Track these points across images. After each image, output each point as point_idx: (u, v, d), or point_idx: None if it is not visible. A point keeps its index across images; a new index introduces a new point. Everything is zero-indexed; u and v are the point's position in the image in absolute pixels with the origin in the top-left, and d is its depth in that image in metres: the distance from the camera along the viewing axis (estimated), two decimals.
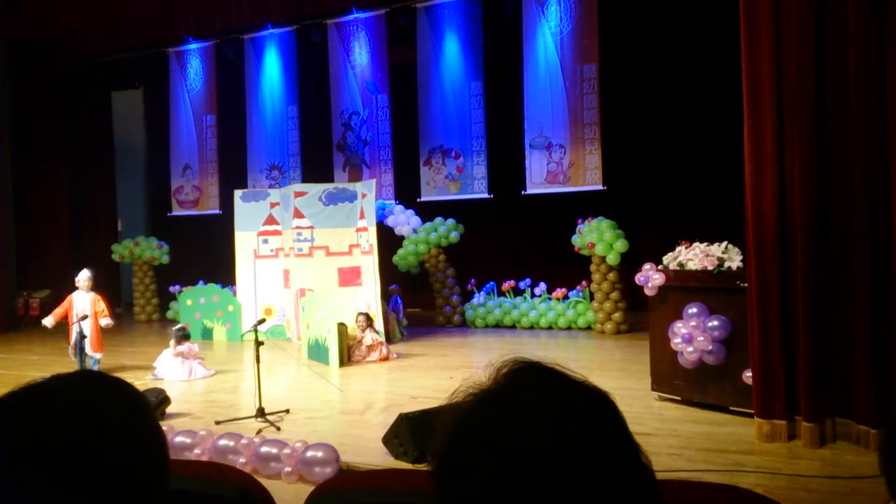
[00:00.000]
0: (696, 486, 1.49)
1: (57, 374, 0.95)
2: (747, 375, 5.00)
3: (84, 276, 7.68)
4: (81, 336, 7.37)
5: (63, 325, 7.84)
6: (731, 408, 5.30)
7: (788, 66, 4.62)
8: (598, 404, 0.84)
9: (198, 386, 7.29)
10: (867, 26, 4.32)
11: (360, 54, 12.05)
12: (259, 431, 5.27)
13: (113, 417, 0.91)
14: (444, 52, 11.40)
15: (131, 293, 13.11)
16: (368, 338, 8.29)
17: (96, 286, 7.85)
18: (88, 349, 7.40)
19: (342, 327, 8.13)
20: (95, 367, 7.42)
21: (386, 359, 8.25)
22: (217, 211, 13.11)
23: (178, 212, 13.62)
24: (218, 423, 5.56)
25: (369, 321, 8.48)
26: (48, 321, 7.69)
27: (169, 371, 7.56)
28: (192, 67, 13.41)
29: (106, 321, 7.58)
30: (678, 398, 5.73)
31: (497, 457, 0.77)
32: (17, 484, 0.83)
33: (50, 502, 0.84)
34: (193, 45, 13.25)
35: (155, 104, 14.09)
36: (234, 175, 12.90)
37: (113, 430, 0.89)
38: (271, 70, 12.79)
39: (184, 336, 7.83)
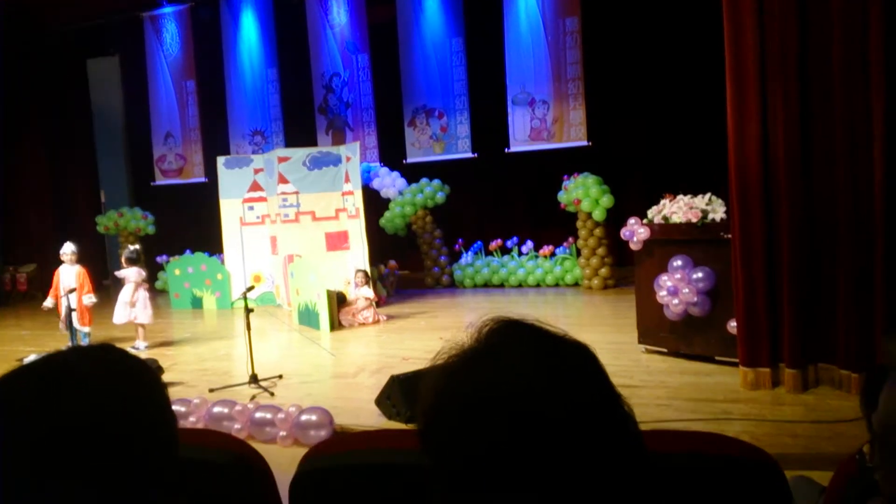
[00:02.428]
0: (683, 435, 1.53)
1: (75, 346, 0.96)
2: (732, 325, 5.08)
3: (68, 250, 7.62)
4: (70, 310, 7.34)
5: (54, 300, 7.79)
6: (717, 358, 5.40)
7: (771, 14, 4.59)
8: (577, 356, 0.85)
9: (190, 354, 7.31)
10: None
11: (339, 13, 11.83)
12: (253, 397, 5.32)
13: (127, 390, 0.92)
14: (423, 8, 11.20)
15: (118, 265, 13.02)
16: (367, 292, 8.34)
17: (82, 259, 7.79)
18: (76, 323, 7.38)
19: (330, 294, 8.15)
20: (86, 341, 7.41)
21: (377, 322, 8.31)
22: (202, 179, 12.98)
23: (161, 181, 13.46)
24: (212, 390, 5.61)
25: (367, 278, 8.52)
26: (48, 303, 7.65)
27: (116, 313, 7.55)
28: (168, 32, 13.12)
29: (88, 299, 7.47)
30: (665, 350, 5.82)
31: (480, 413, 0.79)
32: (31, 453, 0.84)
33: (66, 474, 0.85)
34: (168, 9, 12.94)
35: (132, 71, 13.77)
36: (217, 142, 12.73)
37: (127, 403, 0.91)
38: (249, 33, 12.54)
39: (131, 259, 7.73)
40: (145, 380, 0.97)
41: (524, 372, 0.80)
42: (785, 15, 4.53)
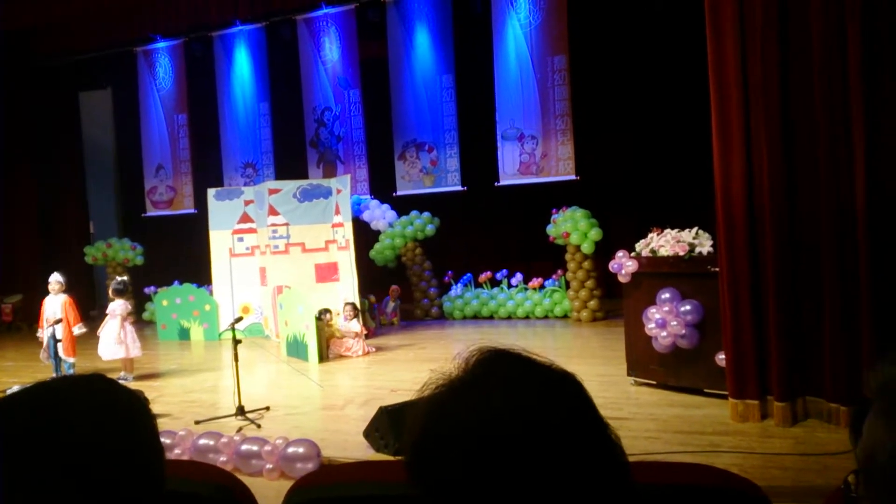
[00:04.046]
0: (672, 466, 1.53)
1: (66, 375, 0.96)
2: (720, 358, 5.10)
3: (53, 279, 7.57)
4: (55, 340, 7.28)
5: (35, 330, 7.72)
6: (706, 390, 5.41)
7: (753, 53, 4.70)
8: (564, 385, 0.86)
9: (176, 386, 7.23)
10: (828, 15, 4.40)
11: (331, 50, 11.99)
12: (239, 429, 5.27)
13: (118, 421, 0.92)
14: (414, 45, 11.37)
15: (105, 296, 12.94)
16: (355, 326, 8.30)
17: (69, 289, 7.73)
18: (62, 353, 7.30)
19: (319, 325, 8.12)
20: (71, 371, 7.33)
21: (366, 354, 8.27)
22: (192, 210, 12.98)
23: (152, 212, 13.45)
24: (198, 422, 5.54)
25: (356, 311, 8.49)
26: (40, 333, 7.55)
27: (102, 347, 7.46)
28: (162, 66, 13.23)
29: (78, 329, 7.43)
30: (654, 382, 5.83)
31: (467, 442, 0.79)
32: (22, 480, 0.84)
33: (52, 500, 0.85)
34: (162, 44, 13.07)
35: (125, 104, 13.86)
36: (208, 174, 12.76)
37: (118, 433, 0.91)
38: (242, 67, 12.66)
39: (118, 290, 7.67)
40: (136, 411, 0.97)
41: (511, 402, 0.81)
42: (766, 49, 4.64)
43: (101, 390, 0.96)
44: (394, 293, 10.71)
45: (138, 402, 0.98)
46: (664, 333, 5.44)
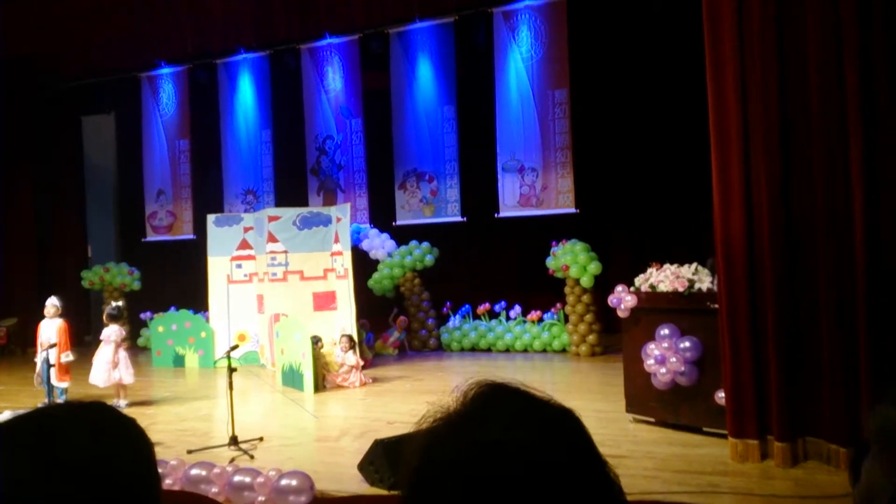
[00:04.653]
0: None
1: (67, 401, 0.96)
2: (720, 396, 5.05)
3: (49, 303, 7.51)
4: (48, 365, 7.20)
5: (32, 355, 7.65)
6: (705, 429, 5.35)
7: (753, 92, 4.75)
8: (563, 421, 0.85)
9: (169, 414, 7.15)
10: (827, 58, 4.45)
11: (334, 79, 12.11)
12: (232, 460, 5.19)
13: (119, 449, 0.92)
14: (416, 76, 11.49)
15: (101, 321, 12.87)
16: (351, 358, 8.23)
17: (65, 314, 7.67)
18: (54, 378, 7.22)
19: (318, 344, 8.07)
20: (63, 397, 7.25)
21: (363, 385, 8.19)
22: (191, 236, 12.98)
23: (152, 237, 13.46)
24: (190, 452, 5.47)
25: (352, 343, 8.42)
26: (36, 358, 7.49)
27: (94, 374, 7.38)
28: (165, 92, 13.35)
29: (65, 357, 7.27)
30: (652, 420, 5.76)
31: (465, 478, 0.78)
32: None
33: None
34: (166, 70, 13.20)
35: (127, 129, 13.95)
36: (208, 200, 12.79)
37: (118, 460, 0.90)
38: (245, 95, 12.78)
39: (112, 316, 7.60)
40: (135, 439, 0.96)
41: (510, 437, 0.80)
42: (766, 91, 4.68)
43: (102, 417, 0.95)
44: (401, 324, 10.64)
45: (138, 430, 0.98)
46: (663, 370, 5.40)
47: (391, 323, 10.73)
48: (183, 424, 6.68)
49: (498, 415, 0.83)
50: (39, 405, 7.29)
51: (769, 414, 4.70)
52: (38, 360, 7.30)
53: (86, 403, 0.97)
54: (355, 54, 11.92)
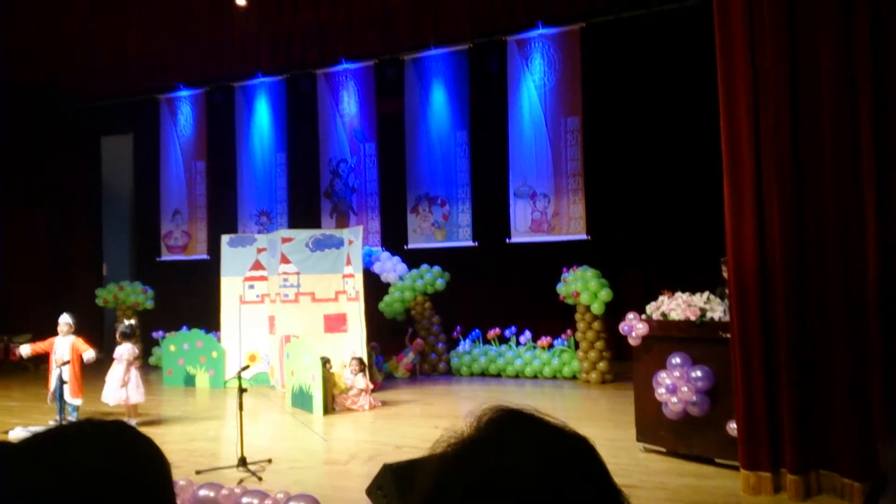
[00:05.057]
0: None
1: (88, 419, 0.97)
2: (732, 427, 5.01)
3: (63, 321, 7.58)
4: (62, 382, 7.24)
5: (45, 371, 7.70)
6: (717, 460, 5.29)
7: (765, 120, 4.77)
8: (577, 448, 0.85)
9: (179, 434, 7.16)
10: (840, 83, 4.48)
11: (349, 104, 12.25)
12: (240, 481, 5.18)
13: (139, 467, 0.94)
14: (430, 102, 11.61)
15: (113, 339, 12.94)
16: (361, 381, 8.22)
17: (78, 331, 7.74)
18: (67, 395, 7.26)
19: (326, 365, 8.06)
20: (74, 415, 7.29)
21: (373, 408, 8.17)
22: (205, 256, 13.08)
23: (167, 256, 13.58)
24: (198, 472, 5.47)
25: (362, 366, 8.41)
26: (24, 349, 7.56)
27: (106, 392, 7.41)
28: (183, 114, 13.55)
29: (88, 355, 7.40)
30: (664, 449, 5.71)
31: (479, 503, 0.78)
32: None
33: None
34: (184, 93, 13.41)
35: (145, 150, 14.15)
36: (222, 220, 12.92)
37: (138, 478, 0.92)
38: (261, 118, 12.95)
39: (125, 334, 7.64)
40: (155, 458, 0.98)
41: (524, 463, 0.80)
42: (779, 119, 4.70)
43: (121, 435, 0.97)
44: (417, 347, 10.63)
45: (155, 449, 0.99)
46: (675, 399, 5.36)
47: (407, 343, 10.72)
48: (192, 444, 6.68)
49: (512, 441, 0.83)
50: (51, 422, 7.33)
51: (782, 446, 4.65)
52: (52, 377, 7.34)
53: (105, 421, 0.99)
54: (370, 80, 12.07)
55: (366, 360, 8.81)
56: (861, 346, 4.33)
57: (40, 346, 7.59)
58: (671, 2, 9.50)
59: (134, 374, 7.57)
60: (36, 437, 0.93)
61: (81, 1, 10.00)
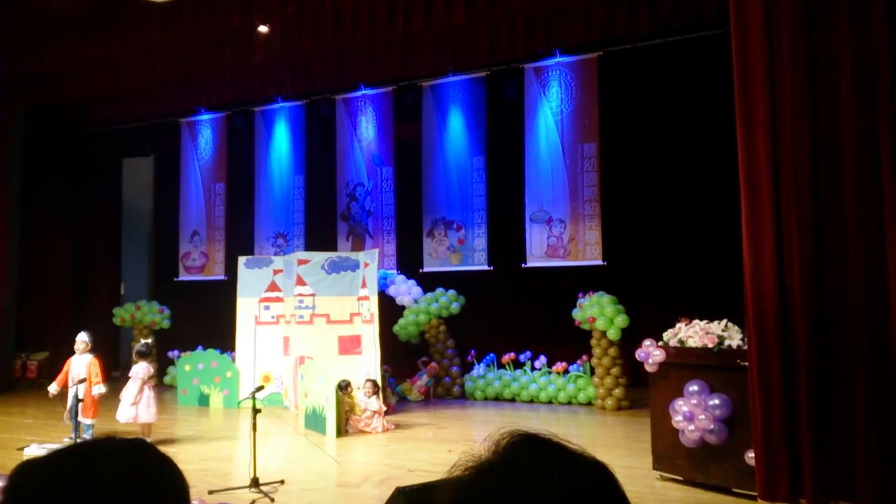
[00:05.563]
0: None
1: (109, 437, 0.98)
2: (749, 456, 4.94)
3: (80, 339, 7.64)
4: (77, 400, 7.28)
5: (65, 388, 7.75)
6: (735, 489, 5.20)
7: (784, 148, 4.77)
8: (597, 475, 0.85)
9: (192, 453, 7.16)
10: (860, 111, 4.47)
11: (367, 128, 12.37)
12: (253, 502, 5.17)
13: (159, 487, 0.94)
14: (447, 128, 11.70)
15: (129, 357, 13.02)
16: (374, 404, 8.20)
17: (95, 349, 7.79)
18: (81, 415, 7.29)
19: (347, 388, 8.06)
20: (88, 433, 7.31)
21: (386, 430, 8.14)
22: (222, 277, 13.18)
23: (184, 277, 13.70)
24: (211, 492, 5.46)
25: (376, 388, 8.40)
26: (52, 388, 7.61)
27: (120, 410, 7.44)
28: (203, 137, 13.74)
29: (97, 389, 7.40)
30: (680, 478, 5.63)
31: None
32: None
33: None
34: (205, 116, 13.62)
35: (165, 171, 14.36)
36: (240, 242, 13.03)
37: (158, 498, 0.93)
38: (280, 141, 13.10)
39: (141, 353, 7.67)
40: (174, 478, 0.98)
41: (542, 489, 0.80)
42: (798, 146, 4.69)
43: (142, 454, 0.97)
44: (431, 370, 10.61)
45: (175, 469, 1.00)
46: (692, 427, 5.30)
47: (420, 366, 10.69)
48: (205, 464, 6.67)
49: (531, 466, 0.83)
50: (65, 440, 7.36)
51: (801, 476, 4.57)
52: (69, 395, 7.39)
53: (126, 440, 0.99)
54: (388, 105, 12.20)
55: (380, 382, 8.80)
56: (884, 375, 4.27)
57: (60, 378, 7.61)
58: (688, 31, 9.55)
59: (147, 393, 7.59)
60: (58, 455, 0.93)
61: (104, 25, 10.22)
